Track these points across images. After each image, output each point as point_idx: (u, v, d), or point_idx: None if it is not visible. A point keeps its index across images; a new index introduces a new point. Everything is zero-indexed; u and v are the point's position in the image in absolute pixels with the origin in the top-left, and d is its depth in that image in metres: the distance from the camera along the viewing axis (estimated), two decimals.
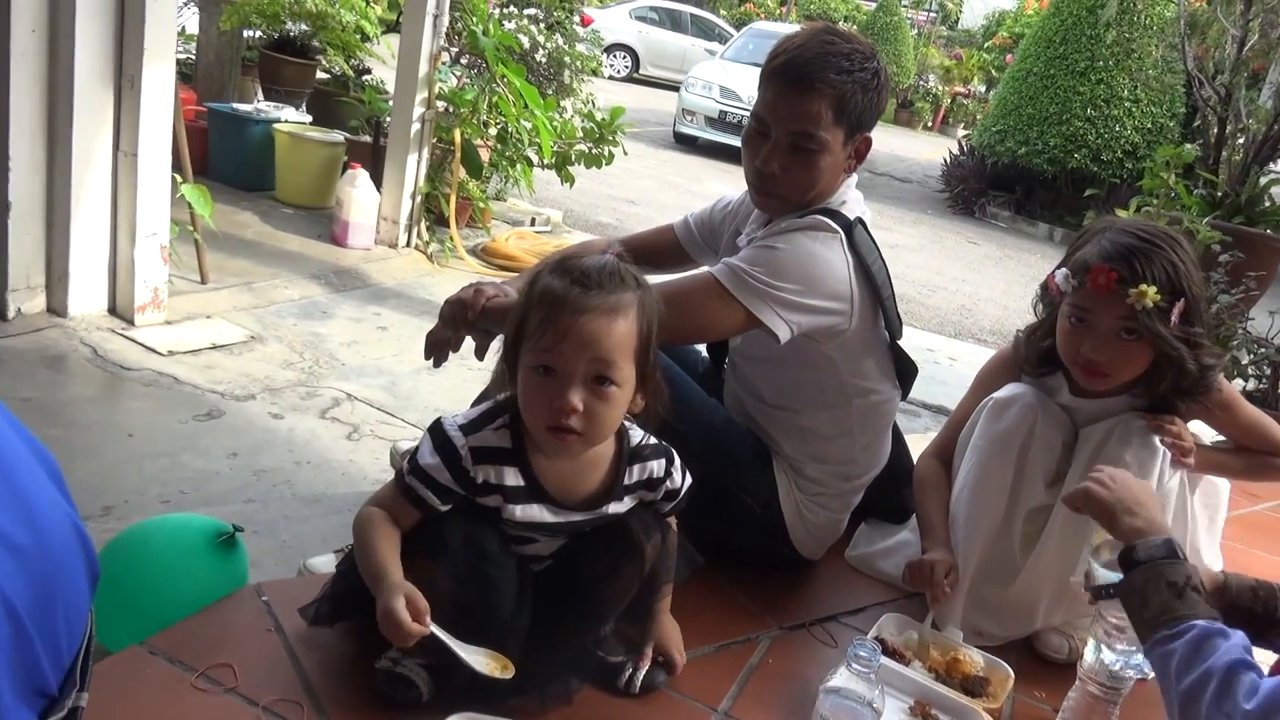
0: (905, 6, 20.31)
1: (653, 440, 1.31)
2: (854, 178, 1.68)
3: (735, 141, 10.08)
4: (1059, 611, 1.72)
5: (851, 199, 1.65)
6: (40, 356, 2.62)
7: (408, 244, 4.23)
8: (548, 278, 1.18)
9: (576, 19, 8.58)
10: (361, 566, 1.22)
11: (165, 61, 2.74)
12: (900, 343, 1.72)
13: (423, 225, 4.29)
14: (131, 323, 2.89)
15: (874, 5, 19.02)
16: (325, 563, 1.70)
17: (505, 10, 5.20)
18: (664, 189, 7.97)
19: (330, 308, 3.47)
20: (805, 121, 1.54)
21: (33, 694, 0.89)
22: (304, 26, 5.33)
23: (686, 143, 10.59)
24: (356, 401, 2.75)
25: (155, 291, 2.93)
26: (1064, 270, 1.57)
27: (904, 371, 1.73)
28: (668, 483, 1.32)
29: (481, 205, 4.61)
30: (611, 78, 14.73)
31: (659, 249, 1.97)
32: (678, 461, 1.33)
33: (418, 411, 2.77)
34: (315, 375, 2.87)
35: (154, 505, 2.06)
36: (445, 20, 4.06)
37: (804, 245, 1.54)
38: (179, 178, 3.01)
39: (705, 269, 1.60)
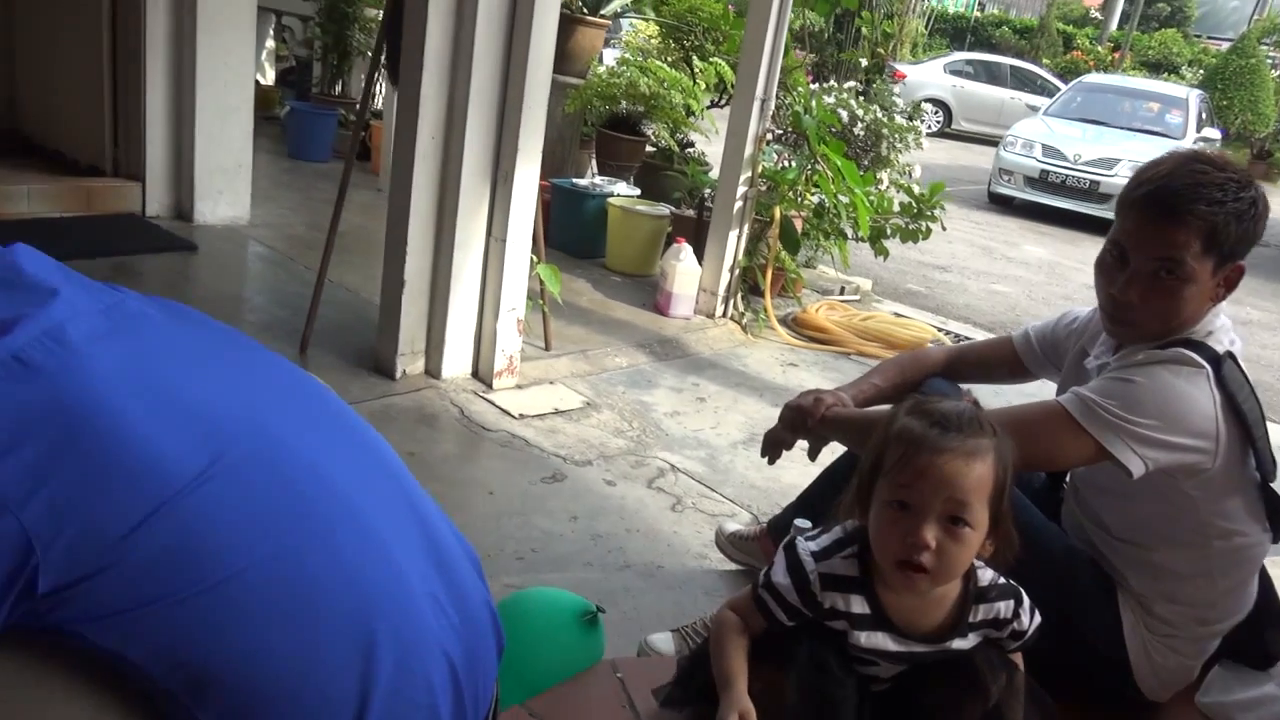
0: (1266, 45, 18.20)
1: (1001, 580, 1.33)
2: (1222, 305, 1.59)
3: (1057, 203, 9.60)
4: None
5: (1219, 328, 1.56)
6: (420, 414, 3.04)
7: (724, 314, 4.43)
8: (906, 418, 1.24)
9: (889, 76, 8.57)
10: (714, 665, 1.33)
11: (533, 161, 3.11)
12: (1275, 485, 1.59)
13: (738, 296, 4.48)
14: (490, 386, 3.27)
15: (1226, 46, 17.24)
16: (664, 640, 1.85)
17: (824, 85, 5.33)
18: (977, 254, 7.70)
19: (654, 377, 3.72)
20: (1170, 250, 1.48)
21: None
22: (637, 106, 5.77)
23: (1002, 203, 10.17)
24: (679, 473, 2.93)
25: (510, 359, 3.30)
26: None
27: (1277, 513, 1.60)
28: (1015, 624, 1.32)
29: (793, 275, 4.73)
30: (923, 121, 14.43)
31: (994, 360, 1.96)
32: (1026, 602, 1.33)
33: (735, 487, 2.91)
34: (642, 444, 3.10)
35: (510, 561, 2.33)
36: (771, 105, 4.25)
37: (1164, 380, 1.48)
38: (534, 258, 3.38)
39: (1053, 399, 1.58)
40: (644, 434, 3.18)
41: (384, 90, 7.61)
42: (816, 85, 5.57)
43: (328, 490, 0.91)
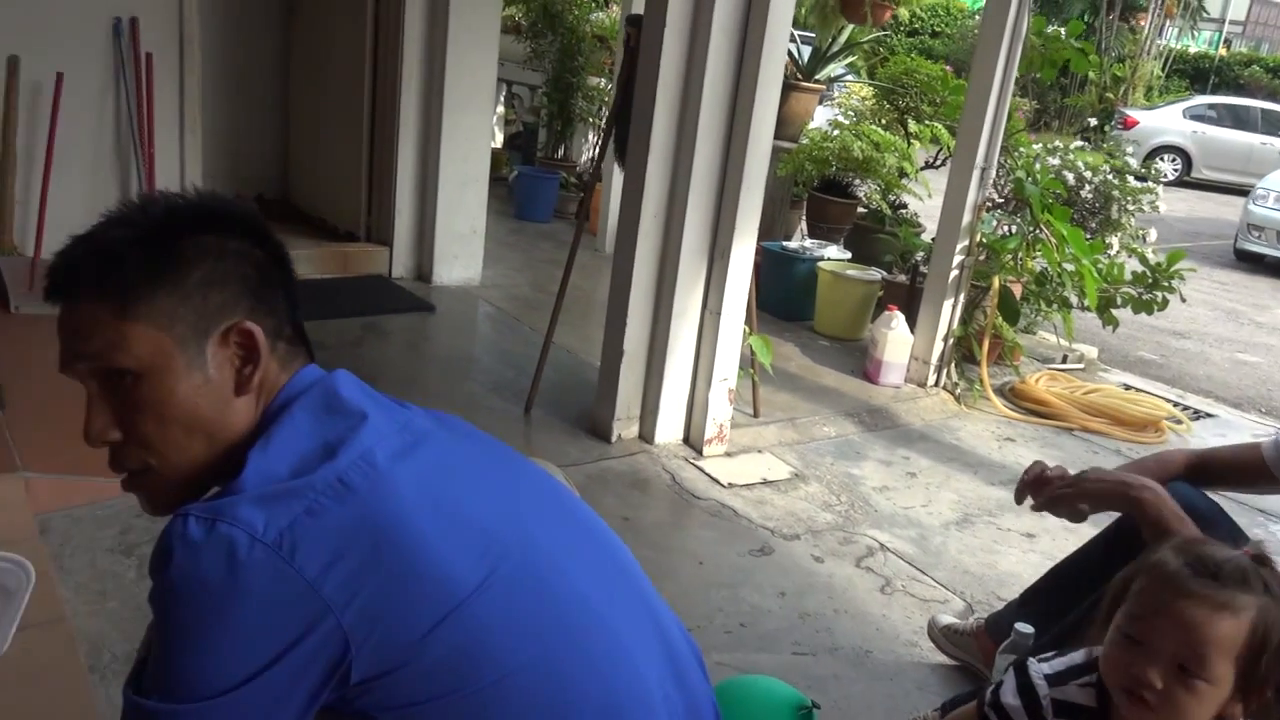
0: None
1: None
2: None
3: None
4: None
5: None
6: (633, 479, 3.17)
7: (936, 384, 4.33)
8: (1167, 551, 1.20)
9: (1118, 123, 8.09)
10: None
11: (749, 238, 3.20)
12: None
13: (952, 365, 4.38)
14: (700, 453, 3.36)
15: None
16: None
17: (1048, 147, 5.14)
18: (1220, 319, 7.10)
19: (863, 448, 3.69)
20: None
21: None
22: (848, 170, 5.77)
23: (1251, 261, 9.33)
24: (888, 552, 2.90)
25: (721, 427, 3.38)
26: None
27: None
28: None
29: (1011, 343, 4.57)
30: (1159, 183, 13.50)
31: (1241, 468, 1.85)
32: None
33: (947, 570, 2.84)
34: (851, 520, 3.08)
35: (719, 635, 2.38)
36: (992, 173, 4.16)
37: None
38: (747, 329, 3.46)
39: None
40: (852, 509, 3.16)
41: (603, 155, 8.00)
42: (1036, 135, 5.37)
43: (581, 599, 1.01)
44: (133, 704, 0.85)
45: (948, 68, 6.14)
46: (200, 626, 0.82)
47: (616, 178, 5.50)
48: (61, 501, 2.46)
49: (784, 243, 5.43)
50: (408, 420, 1.03)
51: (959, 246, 4.16)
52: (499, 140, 8.64)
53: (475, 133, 4.84)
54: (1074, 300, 4.50)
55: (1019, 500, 1.81)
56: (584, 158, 8.25)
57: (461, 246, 4.96)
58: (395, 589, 0.87)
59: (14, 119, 3.70)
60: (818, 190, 6.02)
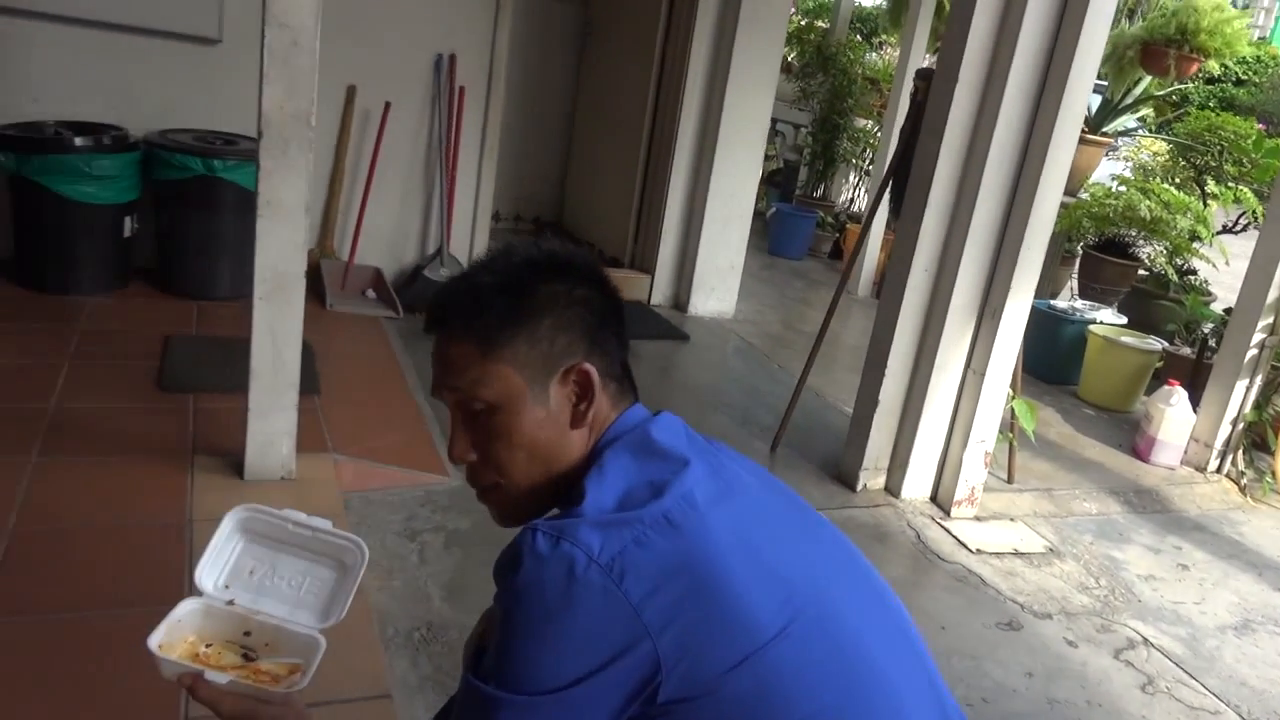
0: None
1: None
2: None
3: None
4: None
5: None
6: (876, 531, 3.13)
7: (1218, 470, 3.97)
8: None
9: None
10: None
11: (1025, 298, 3.09)
12: None
13: (1239, 452, 3.99)
14: (947, 513, 3.27)
15: None
16: None
17: None
18: None
19: (1127, 531, 3.45)
20: None
21: None
22: (1131, 230, 5.41)
23: None
24: (1152, 648, 2.69)
25: (972, 490, 3.27)
26: None
27: None
28: None
29: None
30: None
31: None
32: None
33: (1221, 679, 2.60)
34: (1110, 607, 2.89)
35: (960, 708, 2.31)
36: None
37: None
38: (1011, 391, 3.33)
39: None
40: (1112, 595, 2.96)
41: (861, 195, 7.95)
42: None
43: (867, 657, 1.04)
44: (472, 686, 0.97)
45: (1260, 125, 5.61)
46: (538, 630, 0.93)
47: (876, 223, 5.46)
48: (359, 484, 2.77)
49: (1052, 301, 5.16)
50: (719, 464, 1.10)
51: (1262, 324, 3.79)
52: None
53: (744, 170, 4.96)
54: None
55: None
56: (842, 198, 8.23)
57: (719, 280, 5.09)
58: (706, 625, 0.94)
59: (347, 141, 4.21)
60: (1094, 248, 5.69)
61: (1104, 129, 5.82)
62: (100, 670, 1.78)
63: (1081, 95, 2.92)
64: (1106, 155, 6.60)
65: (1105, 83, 6.03)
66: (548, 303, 1.08)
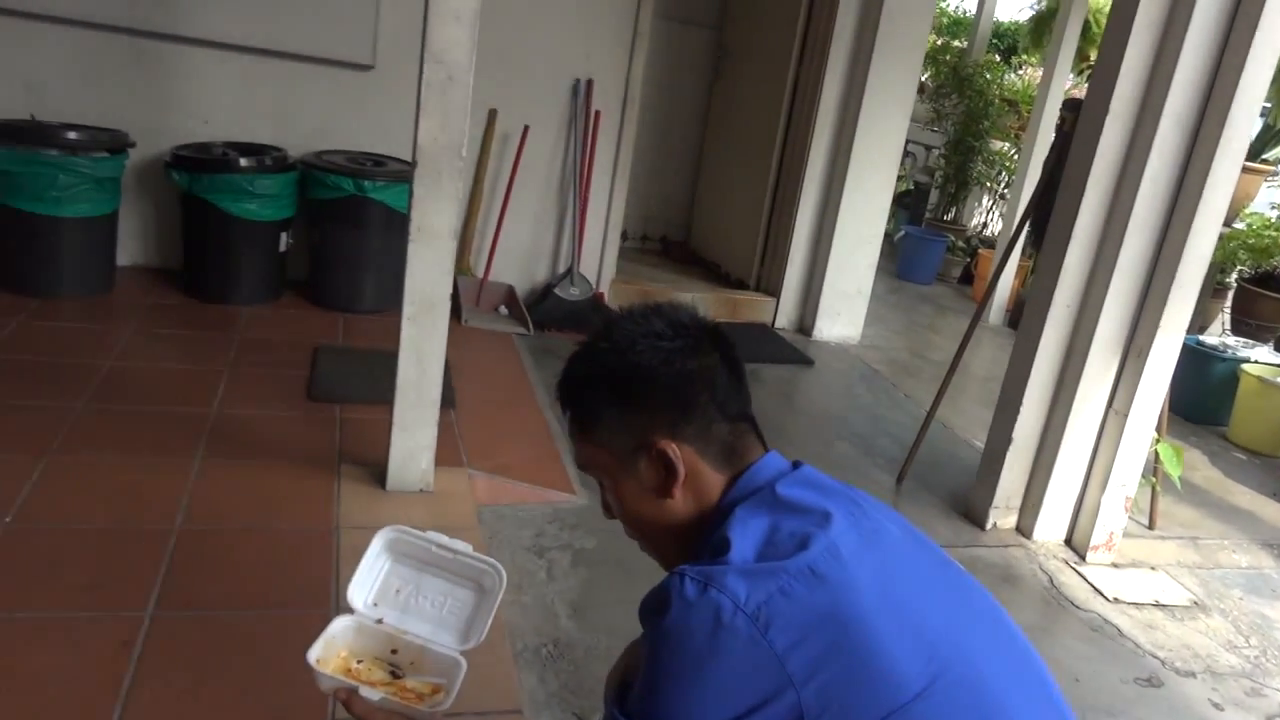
0: None
1: None
2: None
3: None
4: None
5: None
6: (1005, 572, 3.04)
7: None
8: None
9: None
10: None
11: (1175, 338, 2.96)
12: None
13: None
14: (1083, 558, 3.15)
15: None
16: None
17: None
18: None
19: None
20: None
21: None
22: None
23: None
24: None
25: (1110, 535, 3.14)
26: None
27: None
28: None
29: None
30: None
31: None
32: None
33: None
34: (1261, 669, 2.73)
35: None
36: None
37: None
38: (1156, 434, 3.19)
39: None
40: (1264, 655, 2.79)
41: (995, 219, 7.73)
42: None
43: None
44: None
45: None
46: (683, 672, 0.96)
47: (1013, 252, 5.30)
48: (491, 499, 2.86)
49: (1201, 336, 4.91)
50: (860, 514, 1.11)
51: None
52: None
53: (875, 193, 4.91)
54: None
55: None
56: (974, 222, 8.01)
57: (845, 305, 5.04)
58: (850, 679, 0.95)
59: (486, 162, 4.36)
60: (1250, 281, 5.38)
61: (1264, 155, 5.49)
62: (252, 671, 1.89)
63: (1244, 127, 2.78)
64: (1266, 183, 6.22)
65: (1268, 104, 5.70)
66: (634, 384, 1.12)
